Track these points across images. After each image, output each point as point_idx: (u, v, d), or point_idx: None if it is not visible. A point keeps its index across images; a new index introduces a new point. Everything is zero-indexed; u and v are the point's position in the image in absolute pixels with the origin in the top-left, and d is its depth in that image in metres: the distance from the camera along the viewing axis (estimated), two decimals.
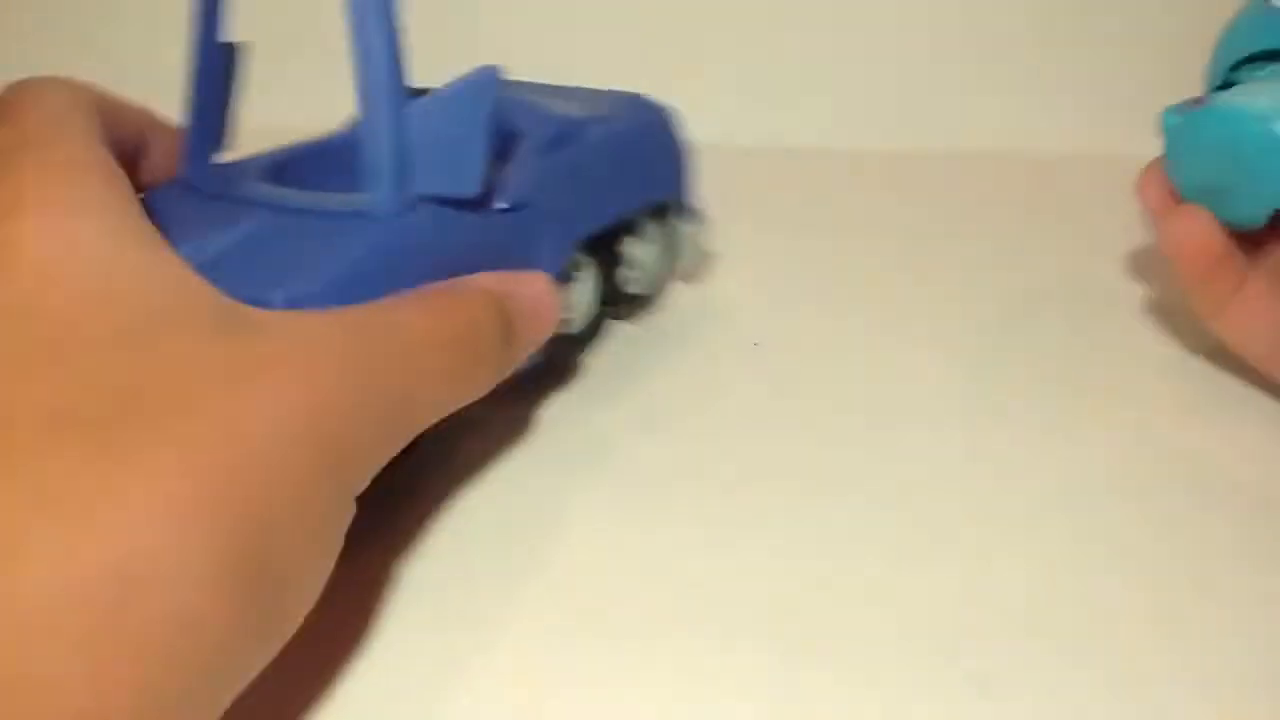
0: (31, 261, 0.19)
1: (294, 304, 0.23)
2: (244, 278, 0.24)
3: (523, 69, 0.32)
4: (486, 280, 0.26)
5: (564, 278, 0.31)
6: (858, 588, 0.24)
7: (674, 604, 0.24)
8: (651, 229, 0.35)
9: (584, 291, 0.33)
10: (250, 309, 0.21)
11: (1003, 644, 0.23)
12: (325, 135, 0.32)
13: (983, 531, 0.26)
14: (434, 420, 0.23)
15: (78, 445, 0.16)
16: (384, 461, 0.21)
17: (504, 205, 0.28)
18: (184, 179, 0.28)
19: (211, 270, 0.24)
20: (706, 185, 0.37)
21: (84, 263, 0.19)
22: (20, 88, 0.24)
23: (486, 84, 0.25)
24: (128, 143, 0.27)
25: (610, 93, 0.36)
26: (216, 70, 0.28)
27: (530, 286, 0.27)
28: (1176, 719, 0.21)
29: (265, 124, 0.46)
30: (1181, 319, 0.36)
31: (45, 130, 0.22)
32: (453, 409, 0.24)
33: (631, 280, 0.35)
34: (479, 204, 0.27)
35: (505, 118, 0.31)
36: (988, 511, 0.27)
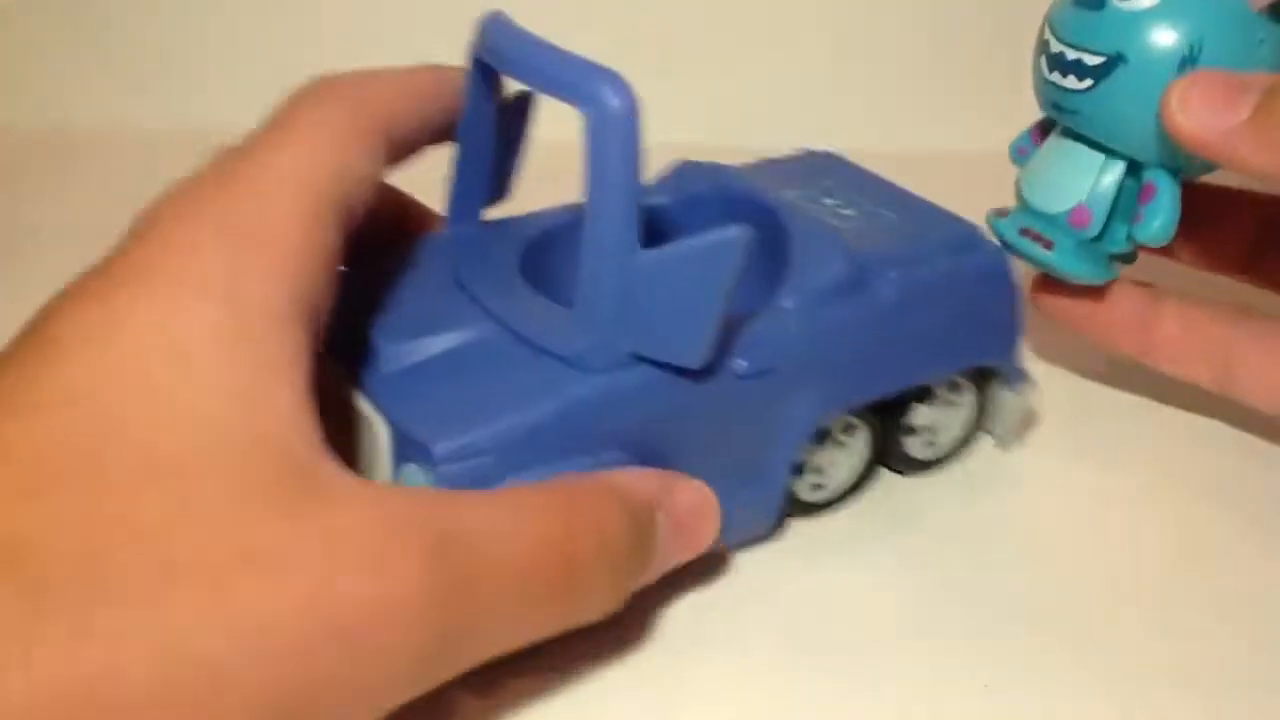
0: (113, 353, 0.17)
1: (455, 459, 0.21)
2: (423, 405, 0.22)
3: None
4: (633, 481, 0.22)
5: (820, 437, 0.27)
6: None
7: None
8: (955, 392, 0.29)
9: (842, 463, 0.28)
10: (326, 480, 0.18)
11: None
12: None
13: None
14: (505, 651, 0.20)
15: (55, 594, 0.15)
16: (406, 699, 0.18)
17: (743, 372, 0.24)
18: (442, 239, 0.27)
19: (399, 382, 0.23)
20: None
21: (167, 369, 0.17)
22: (292, 102, 0.22)
23: (731, 247, 0.21)
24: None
25: (922, 206, 0.29)
26: (500, 118, 0.26)
27: (687, 495, 0.23)
28: None
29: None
30: None
31: (255, 172, 0.20)
32: (536, 639, 0.20)
33: (919, 447, 0.29)
34: (710, 366, 0.23)
35: (779, 223, 0.27)
36: None
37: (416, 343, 0.23)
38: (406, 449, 0.22)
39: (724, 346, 0.23)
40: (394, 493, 0.19)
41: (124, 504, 0.16)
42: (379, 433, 0.22)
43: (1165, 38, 0.26)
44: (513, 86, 0.25)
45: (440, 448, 0.21)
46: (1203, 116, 0.25)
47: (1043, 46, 0.28)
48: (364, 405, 0.23)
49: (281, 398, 0.18)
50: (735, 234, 0.21)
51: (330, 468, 0.18)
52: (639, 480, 0.22)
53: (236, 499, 0.17)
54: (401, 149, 0.24)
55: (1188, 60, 0.26)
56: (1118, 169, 0.28)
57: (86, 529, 0.16)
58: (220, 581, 0.16)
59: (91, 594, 0.15)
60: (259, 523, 0.17)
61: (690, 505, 0.23)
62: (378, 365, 0.23)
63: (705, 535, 0.24)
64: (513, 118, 0.26)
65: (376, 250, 0.26)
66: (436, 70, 0.25)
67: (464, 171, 0.26)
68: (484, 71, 0.25)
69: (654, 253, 0.22)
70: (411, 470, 0.22)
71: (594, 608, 0.21)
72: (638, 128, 0.21)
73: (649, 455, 0.23)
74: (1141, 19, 0.26)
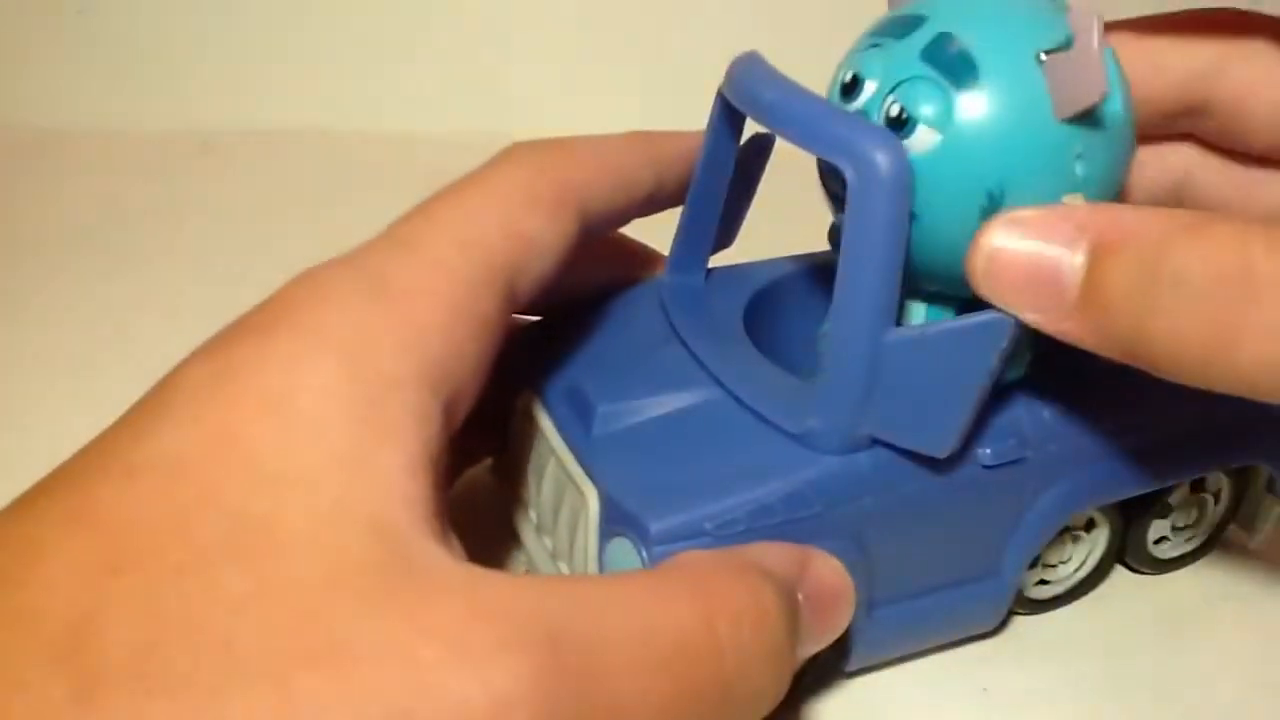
0: (217, 413, 0.16)
1: (671, 539, 0.20)
2: (639, 476, 0.21)
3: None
4: (775, 556, 0.19)
5: (1060, 531, 0.24)
6: None
7: None
8: (1210, 488, 0.26)
9: (1077, 558, 0.25)
10: (426, 563, 0.16)
11: None
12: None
13: None
14: None
15: (105, 687, 0.14)
16: None
17: (988, 461, 0.21)
18: (660, 287, 0.25)
19: (613, 446, 0.21)
20: None
21: (269, 430, 0.16)
22: (482, 165, 0.21)
23: (998, 331, 0.19)
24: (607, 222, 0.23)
25: None
26: (737, 163, 0.24)
27: (824, 573, 0.20)
28: None
29: (267, 125, 0.43)
30: None
31: (417, 226, 0.19)
32: None
33: (1163, 546, 0.26)
34: (953, 455, 0.21)
35: None
36: None
37: (633, 404, 0.22)
38: (617, 521, 0.20)
39: (969, 432, 0.21)
40: (503, 580, 0.16)
41: (199, 585, 0.15)
42: (588, 500, 0.21)
43: (956, 186, 0.19)
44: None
45: (657, 526, 0.20)
46: (1019, 303, 0.19)
47: None
48: (574, 468, 0.21)
49: (389, 466, 0.16)
50: (1005, 319, 0.19)
51: (433, 549, 0.16)
52: (780, 554, 0.19)
53: (321, 582, 0.15)
54: (599, 220, 0.22)
55: (993, 201, 0.19)
56: (946, 312, 0.22)
57: (155, 612, 0.14)
58: (286, 680, 0.14)
59: (143, 689, 0.14)
60: (342, 610, 0.15)
61: (828, 585, 0.20)
62: (590, 426, 0.22)
63: (842, 619, 0.20)
64: (748, 161, 0.24)
65: (590, 297, 0.25)
66: (641, 139, 0.23)
67: (695, 216, 0.24)
68: (728, 113, 0.23)
69: (910, 331, 0.20)
70: (620, 545, 0.20)
71: (752, 710, 0.18)
72: (908, 194, 0.19)
73: (874, 546, 0.21)
74: (921, 169, 0.19)
